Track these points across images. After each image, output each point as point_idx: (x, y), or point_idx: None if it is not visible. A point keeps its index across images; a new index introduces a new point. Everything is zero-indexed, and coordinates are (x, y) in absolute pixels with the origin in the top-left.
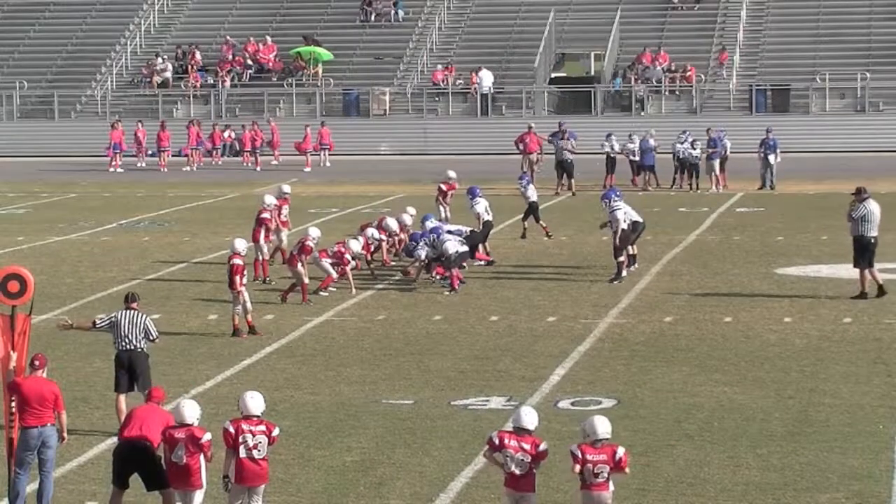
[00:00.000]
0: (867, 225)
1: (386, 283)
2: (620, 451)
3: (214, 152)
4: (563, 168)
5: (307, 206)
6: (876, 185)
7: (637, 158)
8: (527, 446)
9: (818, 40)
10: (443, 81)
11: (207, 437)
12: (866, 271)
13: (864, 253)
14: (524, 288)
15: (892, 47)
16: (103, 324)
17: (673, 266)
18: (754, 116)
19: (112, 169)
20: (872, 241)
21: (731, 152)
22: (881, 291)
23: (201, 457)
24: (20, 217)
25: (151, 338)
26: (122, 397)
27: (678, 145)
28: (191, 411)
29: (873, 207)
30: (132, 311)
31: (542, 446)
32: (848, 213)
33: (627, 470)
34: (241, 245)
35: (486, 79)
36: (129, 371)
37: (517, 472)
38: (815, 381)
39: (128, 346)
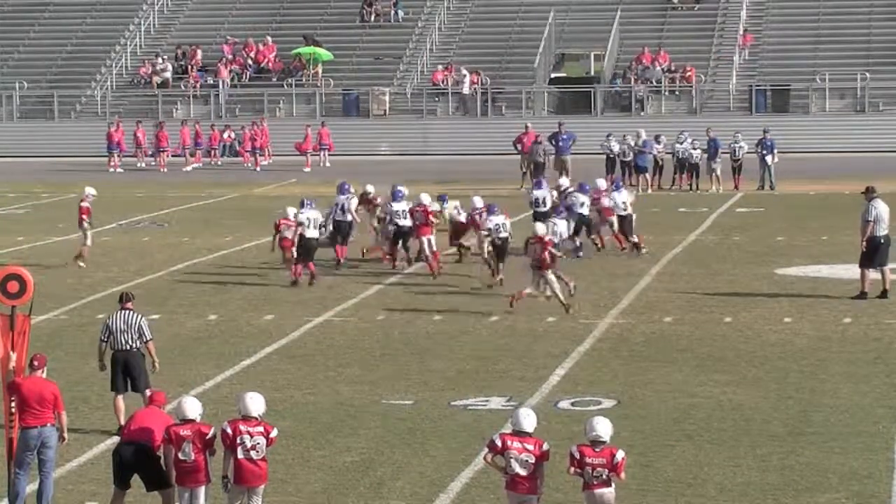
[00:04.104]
0: (876, 225)
1: (386, 282)
2: (619, 455)
3: (214, 152)
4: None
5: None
6: (875, 185)
7: (629, 159)
8: (530, 447)
9: (818, 40)
10: (443, 82)
11: (214, 432)
12: (876, 270)
13: (874, 253)
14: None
15: (892, 47)
16: (104, 336)
17: (673, 266)
18: (754, 116)
19: (112, 169)
20: (882, 240)
21: (725, 152)
22: (884, 294)
23: (207, 452)
24: (20, 217)
25: (144, 339)
26: (120, 397)
27: (677, 145)
28: (193, 407)
29: (882, 208)
30: (126, 311)
31: (545, 447)
32: (862, 216)
33: (623, 475)
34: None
35: (467, 80)
36: (126, 371)
37: (521, 472)
38: (815, 381)
39: (122, 347)
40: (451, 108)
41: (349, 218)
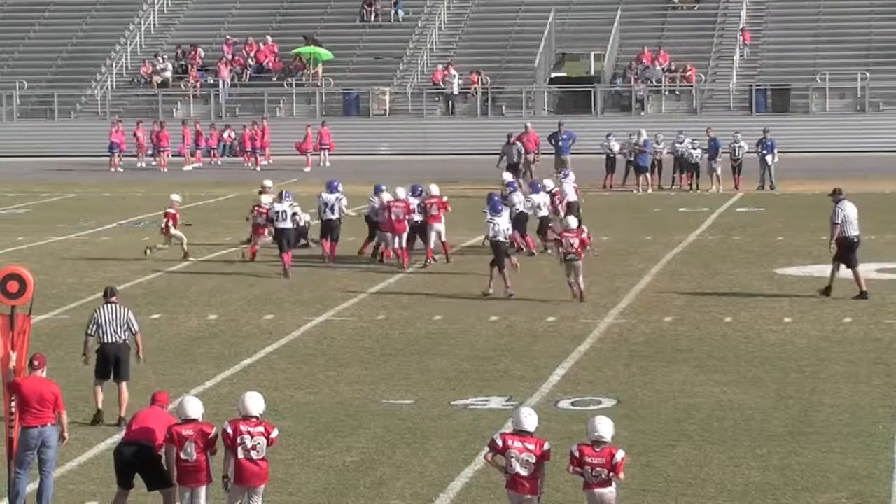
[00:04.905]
0: (846, 226)
1: (386, 282)
2: (619, 455)
3: (214, 152)
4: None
5: (308, 207)
6: (875, 184)
7: (630, 159)
8: (531, 447)
9: (818, 40)
10: (443, 81)
11: (216, 431)
12: (840, 271)
13: (848, 253)
14: (524, 288)
15: (892, 47)
16: (90, 330)
17: (673, 266)
18: (754, 116)
19: (112, 169)
20: (855, 240)
21: (725, 152)
22: (827, 292)
23: (208, 451)
24: (20, 217)
25: (133, 330)
26: (100, 387)
27: (678, 145)
28: (195, 407)
29: (849, 209)
30: (112, 305)
31: (546, 446)
32: (831, 218)
33: (622, 475)
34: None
35: (455, 81)
36: (114, 363)
37: (522, 472)
38: (815, 381)
39: (111, 340)
40: (466, 109)
41: (336, 216)
